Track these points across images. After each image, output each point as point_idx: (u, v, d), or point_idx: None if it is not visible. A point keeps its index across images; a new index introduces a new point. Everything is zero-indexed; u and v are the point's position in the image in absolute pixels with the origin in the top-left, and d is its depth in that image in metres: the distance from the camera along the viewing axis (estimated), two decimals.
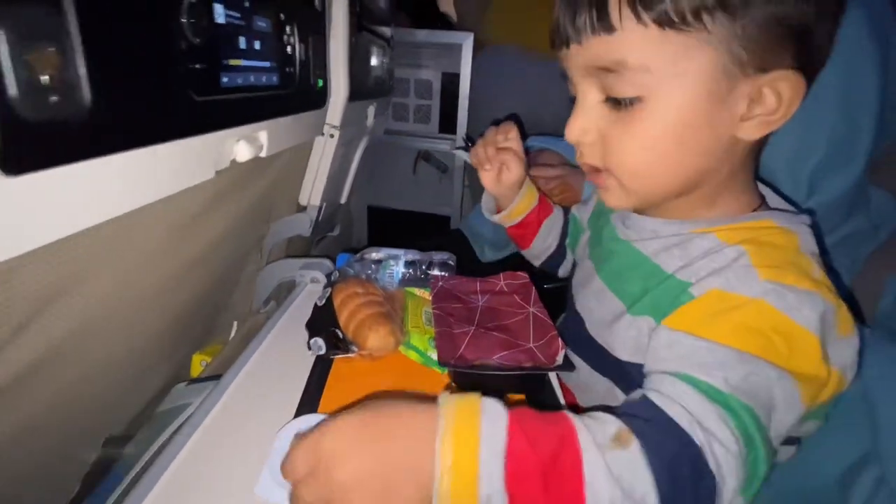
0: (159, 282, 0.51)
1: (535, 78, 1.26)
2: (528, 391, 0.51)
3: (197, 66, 0.36)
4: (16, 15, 0.21)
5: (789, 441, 0.49)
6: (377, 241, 1.62)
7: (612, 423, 0.31)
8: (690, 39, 0.36)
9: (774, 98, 0.38)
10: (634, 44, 0.37)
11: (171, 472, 0.42)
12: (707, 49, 0.36)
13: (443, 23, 1.72)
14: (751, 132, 0.39)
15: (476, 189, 1.54)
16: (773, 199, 0.49)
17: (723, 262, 0.40)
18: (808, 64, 0.38)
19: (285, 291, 0.93)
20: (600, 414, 0.33)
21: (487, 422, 0.29)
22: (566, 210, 0.75)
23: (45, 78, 0.23)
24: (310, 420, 0.43)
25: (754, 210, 0.46)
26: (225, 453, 0.44)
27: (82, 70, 0.25)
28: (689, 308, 0.40)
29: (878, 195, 0.74)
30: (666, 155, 0.40)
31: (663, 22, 0.35)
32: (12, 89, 0.22)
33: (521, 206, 0.69)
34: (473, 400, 0.31)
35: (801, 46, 0.37)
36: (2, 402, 0.38)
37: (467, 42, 1.38)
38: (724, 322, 0.37)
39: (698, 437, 0.31)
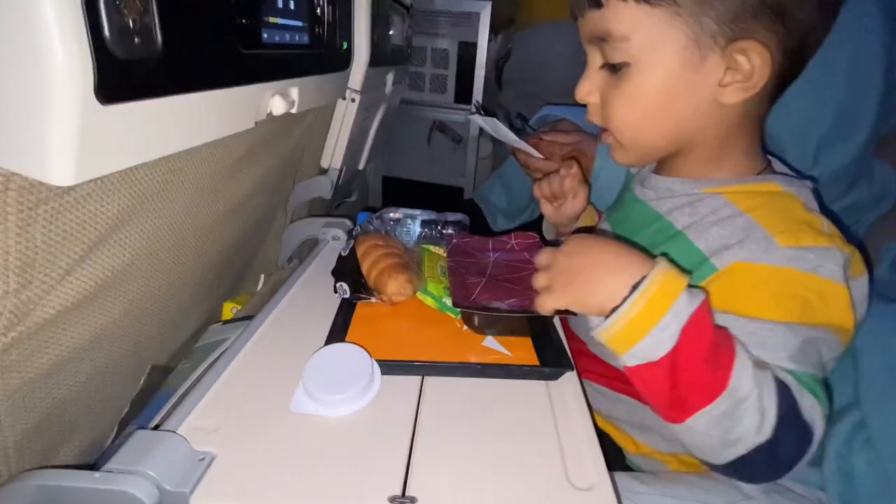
0: (198, 227, 0.55)
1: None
2: (534, 333, 0.55)
3: (243, 21, 0.40)
4: None
5: None
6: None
7: (752, 355, 0.39)
8: (664, 12, 0.41)
9: (748, 66, 0.41)
10: (617, 17, 0.42)
11: (213, 393, 0.47)
12: (678, 21, 0.41)
13: None
14: (731, 97, 0.43)
15: (495, 158, 1.55)
16: (777, 166, 0.52)
17: (739, 235, 0.43)
18: (785, 40, 0.41)
19: (307, 249, 0.99)
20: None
21: (689, 290, 0.38)
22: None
23: (130, 21, 0.27)
24: (339, 348, 0.48)
25: (759, 173, 0.49)
26: (260, 376, 0.49)
27: (156, 17, 0.29)
28: (719, 283, 0.43)
29: (882, 169, 0.76)
30: (650, 113, 0.45)
31: None
32: (107, 29, 0.26)
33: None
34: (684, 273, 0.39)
35: (774, 22, 0.40)
36: (70, 318, 0.43)
37: (484, 10, 1.38)
38: (763, 296, 0.41)
39: (795, 396, 0.38)
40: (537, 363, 0.52)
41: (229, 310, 0.80)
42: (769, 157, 0.52)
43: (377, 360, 0.48)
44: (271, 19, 0.45)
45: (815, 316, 0.41)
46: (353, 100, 0.88)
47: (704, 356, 0.36)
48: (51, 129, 0.25)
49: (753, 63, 0.41)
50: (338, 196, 1.08)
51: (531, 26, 1.38)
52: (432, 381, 0.49)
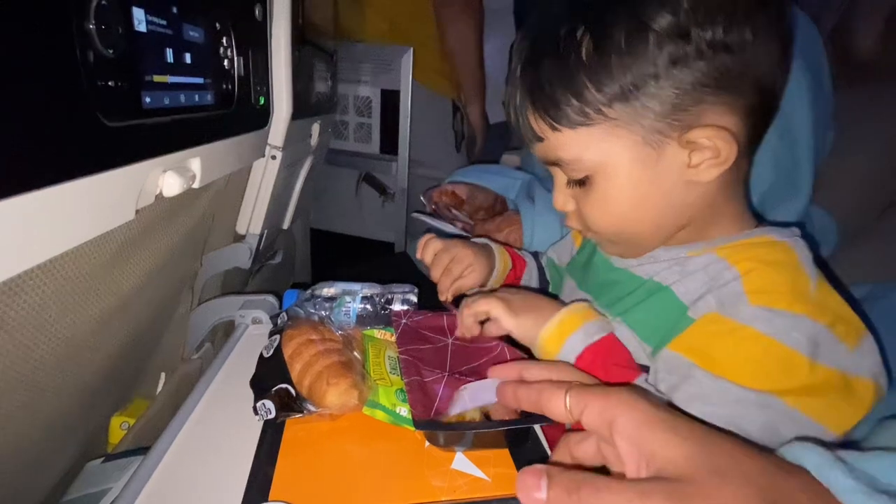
0: (64, 346, 0.41)
1: None
2: (513, 444, 0.46)
3: (109, 83, 0.28)
4: None
5: None
6: (322, 266, 1.54)
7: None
8: (603, 127, 0.41)
9: (712, 144, 0.39)
10: (561, 145, 0.43)
11: None
12: (620, 131, 0.40)
13: None
14: (706, 175, 0.41)
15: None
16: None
17: (718, 282, 0.42)
18: (744, 101, 0.39)
19: (221, 333, 0.83)
20: None
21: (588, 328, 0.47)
22: (534, 253, 0.76)
23: None
24: None
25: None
26: None
27: None
28: (689, 332, 0.43)
29: (817, 214, 0.78)
30: (627, 216, 0.44)
31: (573, 124, 0.41)
32: None
33: (499, 277, 0.69)
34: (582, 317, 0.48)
35: (722, 96, 0.38)
36: None
37: (406, 56, 1.33)
38: (729, 357, 0.39)
39: None
40: None
41: (118, 425, 0.63)
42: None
43: None
44: (157, 78, 0.34)
45: (771, 383, 0.37)
46: (273, 157, 0.76)
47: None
48: None
49: (716, 143, 0.39)
50: (259, 261, 0.94)
51: None
52: None
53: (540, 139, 0.44)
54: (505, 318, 0.50)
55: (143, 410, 0.63)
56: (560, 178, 0.47)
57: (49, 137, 0.25)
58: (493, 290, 0.56)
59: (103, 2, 0.27)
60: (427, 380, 0.48)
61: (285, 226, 1.02)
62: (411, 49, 1.32)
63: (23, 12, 0.23)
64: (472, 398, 0.42)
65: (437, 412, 0.45)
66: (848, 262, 0.70)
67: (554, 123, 0.42)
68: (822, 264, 0.44)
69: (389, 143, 1.43)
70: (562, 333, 0.47)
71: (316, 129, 0.99)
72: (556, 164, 0.46)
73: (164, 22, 0.35)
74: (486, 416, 0.45)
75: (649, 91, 0.38)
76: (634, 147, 0.41)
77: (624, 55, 0.38)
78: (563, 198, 0.48)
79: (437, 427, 0.43)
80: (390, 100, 1.39)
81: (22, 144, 0.23)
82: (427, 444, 0.45)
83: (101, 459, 0.50)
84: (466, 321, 0.53)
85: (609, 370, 0.44)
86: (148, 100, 0.33)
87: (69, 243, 0.29)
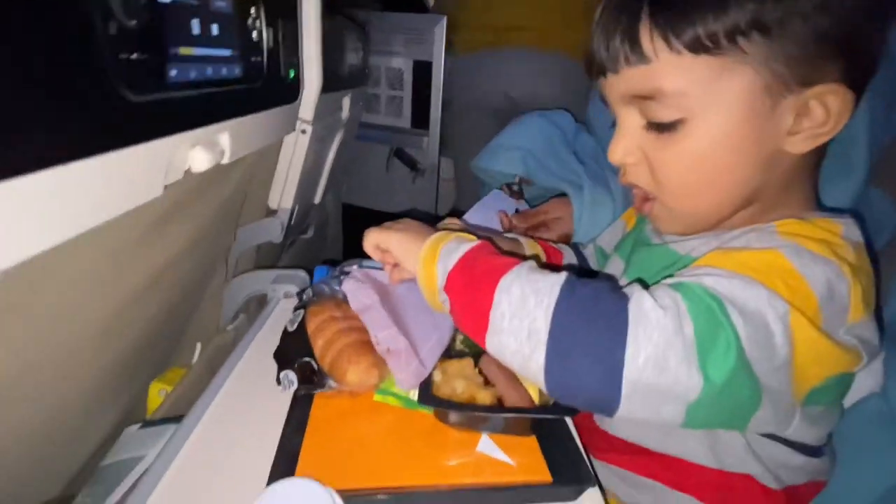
0: (103, 315, 0.42)
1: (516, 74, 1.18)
2: (537, 430, 0.45)
3: (133, 56, 0.28)
4: None
5: (807, 451, 0.44)
6: (353, 241, 1.55)
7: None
8: (727, 61, 0.36)
9: (822, 111, 0.37)
10: (670, 72, 0.37)
11: None
12: (745, 69, 0.36)
13: (416, 6, 1.62)
14: (799, 146, 0.38)
15: (460, 190, 1.45)
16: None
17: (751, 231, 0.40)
18: (857, 76, 0.37)
19: (255, 305, 0.85)
20: None
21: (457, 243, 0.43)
22: (575, 246, 0.71)
23: None
24: (290, 487, 0.36)
25: None
26: None
27: None
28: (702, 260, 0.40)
29: (877, 197, 0.72)
30: (712, 172, 0.39)
31: (697, 48, 0.36)
32: None
33: None
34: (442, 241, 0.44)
35: (847, 59, 0.36)
36: None
37: (440, 26, 1.28)
38: (732, 258, 0.37)
39: (631, 292, 0.35)
40: (547, 472, 0.41)
41: (157, 392, 0.65)
42: None
43: (343, 493, 0.37)
44: (182, 50, 0.33)
45: (770, 286, 0.34)
46: (303, 131, 0.76)
47: (471, 277, 0.39)
48: None
49: (831, 107, 0.36)
50: (290, 235, 0.95)
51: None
52: None
53: (644, 61, 0.37)
54: (385, 238, 0.47)
55: (179, 378, 0.65)
56: (633, 120, 0.41)
57: (71, 113, 0.24)
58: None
59: None
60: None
61: (317, 200, 1.02)
62: (444, 18, 1.27)
63: None
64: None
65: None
66: None
67: (676, 41, 0.35)
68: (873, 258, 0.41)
69: (421, 117, 1.40)
70: (430, 269, 0.43)
71: (347, 102, 0.97)
72: (647, 97, 0.39)
73: None
74: (499, 400, 0.44)
75: (793, 29, 0.34)
76: (753, 93, 0.36)
77: None
78: (629, 144, 0.41)
79: (441, 405, 0.43)
80: (423, 72, 1.36)
81: (43, 119, 0.23)
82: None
83: (139, 425, 0.52)
84: (373, 255, 0.50)
85: (473, 280, 0.40)
86: (174, 73, 0.32)
87: (95, 220, 0.29)
